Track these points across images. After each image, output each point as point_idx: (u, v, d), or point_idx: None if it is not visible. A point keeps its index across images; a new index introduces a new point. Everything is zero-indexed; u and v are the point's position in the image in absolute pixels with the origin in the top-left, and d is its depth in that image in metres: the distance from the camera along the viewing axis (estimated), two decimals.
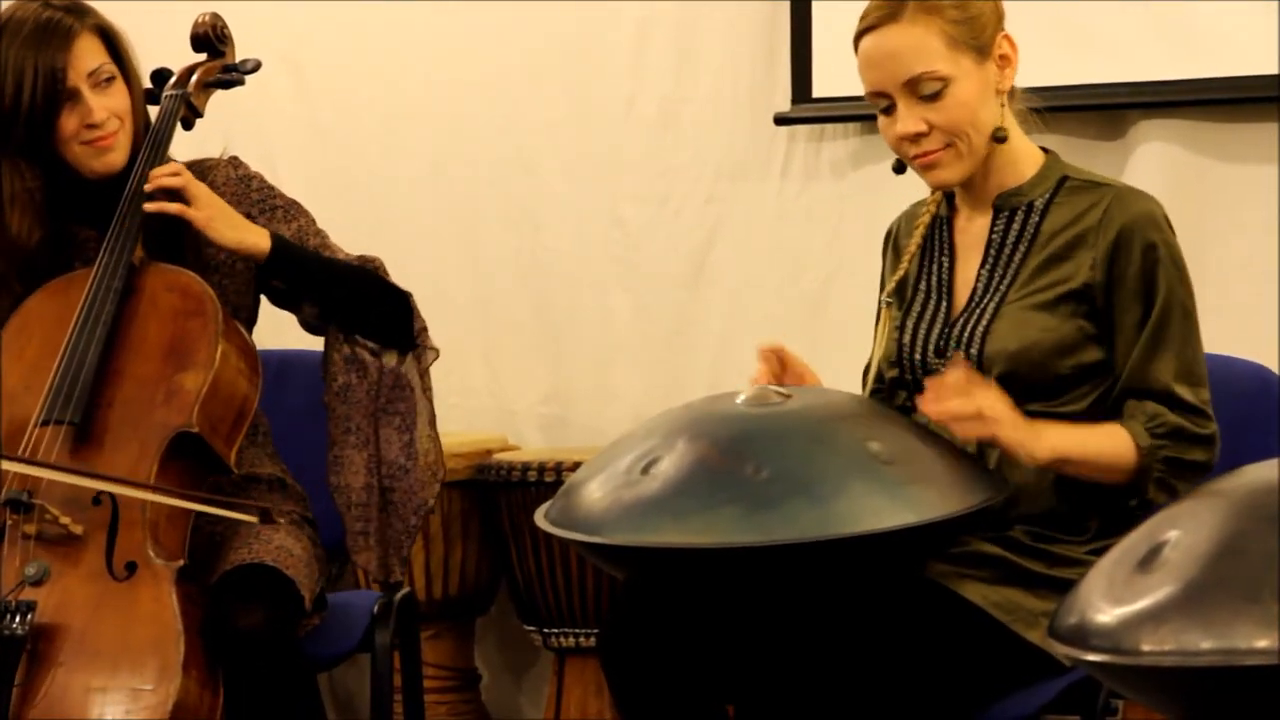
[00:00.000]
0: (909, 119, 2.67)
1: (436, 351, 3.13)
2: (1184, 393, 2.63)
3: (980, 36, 2.67)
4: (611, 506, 2.51)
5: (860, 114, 4.22)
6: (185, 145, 3.16)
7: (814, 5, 4.26)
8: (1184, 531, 1.95)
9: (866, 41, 2.69)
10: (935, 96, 2.65)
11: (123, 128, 3.02)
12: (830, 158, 4.34)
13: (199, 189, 2.96)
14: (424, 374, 3.12)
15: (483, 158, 4.65)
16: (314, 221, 3.12)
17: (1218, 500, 1.98)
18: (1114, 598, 1.95)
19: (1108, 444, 2.62)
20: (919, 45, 2.64)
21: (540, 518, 2.62)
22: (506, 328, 4.66)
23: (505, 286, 4.65)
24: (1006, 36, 2.70)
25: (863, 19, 2.70)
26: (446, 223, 4.68)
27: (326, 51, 4.72)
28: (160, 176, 2.96)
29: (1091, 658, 1.94)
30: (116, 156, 3.02)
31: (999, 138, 2.70)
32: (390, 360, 3.08)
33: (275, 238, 2.98)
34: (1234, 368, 2.98)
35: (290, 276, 3.02)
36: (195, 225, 2.94)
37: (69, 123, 2.98)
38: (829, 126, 4.33)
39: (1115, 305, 2.66)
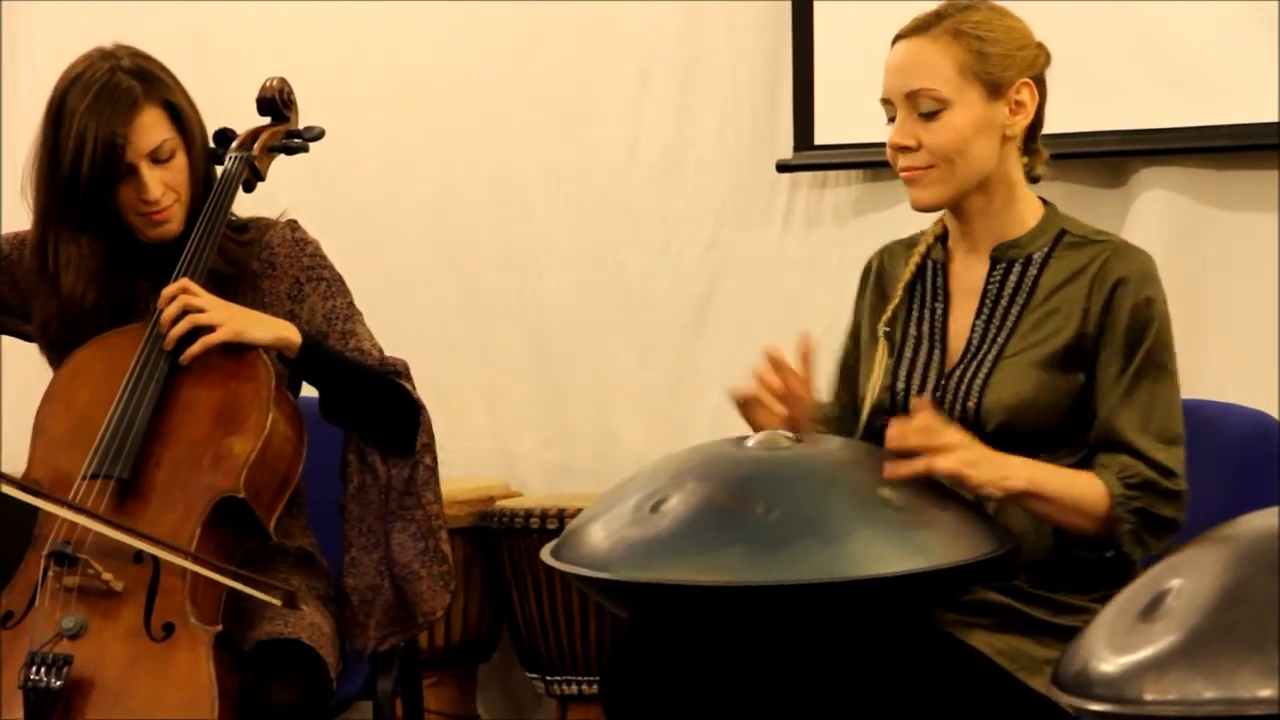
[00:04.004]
0: (901, 131, 2.70)
1: (431, 470, 3.06)
2: (1151, 449, 2.62)
3: (997, 75, 2.68)
4: (618, 544, 2.50)
5: (863, 161, 4.23)
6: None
7: (816, 52, 4.27)
8: (1186, 580, 1.95)
9: (894, 48, 2.73)
10: (931, 116, 2.68)
11: (179, 200, 2.99)
12: (833, 204, 4.35)
13: (209, 302, 2.92)
14: (424, 485, 3.06)
15: (485, 202, 4.66)
16: (351, 303, 3.09)
17: (1220, 548, 1.98)
18: (1117, 646, 1.95)
19: (1080, 486, 2.62)
20: (930, 63, 2.68)
21: (546, 554, 2.62)
22: (508, 373, 4.66)
23: (507, 331, 4.66)
24: (1028, 84, 2.71)
25: (904, 26, 2.74)
26: (447, 267, 4.68)
27: (327, 94, 4.72)
28: (168, 299, 2.90)
29: (1095, 707, 1.93)
30: (171, 228, 3.00)
31: (1033, 177, 2.75)
32: (401, 467, 3.05)
33: (305, 335, 2.96)
34: (1234, 415, 2.98)
35: (310, 374, 2.99)
36: (227, 340, 2.90)
37: (126, 194, 2.96)
38: (831, 174, 4.34)
39: (1101, 356, 2.66)
